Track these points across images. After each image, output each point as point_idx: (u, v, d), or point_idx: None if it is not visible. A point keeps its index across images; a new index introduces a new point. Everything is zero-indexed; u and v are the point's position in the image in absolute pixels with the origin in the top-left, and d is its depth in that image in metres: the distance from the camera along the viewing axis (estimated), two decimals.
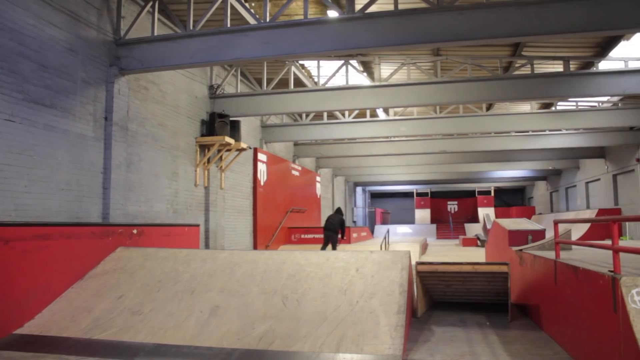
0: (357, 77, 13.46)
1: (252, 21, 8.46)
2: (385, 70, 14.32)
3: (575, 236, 12.93)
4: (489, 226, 18.88)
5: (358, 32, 7.48)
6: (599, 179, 22.09)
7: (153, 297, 5.28)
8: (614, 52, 11.90)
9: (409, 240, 21.68)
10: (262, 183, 15.29)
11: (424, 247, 20.08)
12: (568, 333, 4.52)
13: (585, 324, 4.04)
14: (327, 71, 14.06)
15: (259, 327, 4.55)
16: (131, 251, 6.43)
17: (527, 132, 17.78)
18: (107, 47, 8.40)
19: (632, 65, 10.64)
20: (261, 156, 15.41)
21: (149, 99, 9.63)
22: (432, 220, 37.84)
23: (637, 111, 14.44)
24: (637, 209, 17.95)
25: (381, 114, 17.09)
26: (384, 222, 37.88)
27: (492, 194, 37.60)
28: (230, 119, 11.87)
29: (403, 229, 34.01)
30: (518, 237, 7.97)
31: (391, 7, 7.74)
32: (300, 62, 13.86)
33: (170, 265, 5.97)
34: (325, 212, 24.18)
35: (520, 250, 6.99)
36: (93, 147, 7.98)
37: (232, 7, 8.63)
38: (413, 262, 5.90)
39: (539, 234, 7.98)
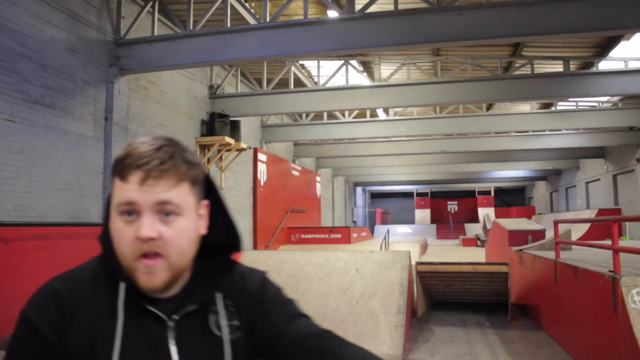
0: (357, 77, 13.45)
1: (252, 21, 8.45)
2: (385, 70, 14.31)
3: (575, 236, 12.91)
4: (489, 226, 18.87)
5: (358, 32, 7.48)
6: (599, 179, 22.08)
7: None
8: (614, 52, 11.89)
9: (409, 240, 21.66)
10: (262, 183, 15.29)
11: (424, 247, 20.07)
12: (568, 333, 4.52)
13: (585, 324, 4.04)
14: (327, 71, 14.05)
15: None
16: None
17: (527, 132, 17.76)
18: (107, 47, 8.40)
19: (632, 65, 10.63)
20: (261, 156, 15.41)
21: (149, 99, 9.63)
22: (432, 221, 37.83)
23: (637, 111, 14.43)
24: (637, 209, 17.94)
25: (381, 114, 17.08)
26: (384, 222, 37.84)
27: (492, 194, 37.59)
28: (230, 119, 11.87)
29: (403, 229, 33.98)
30: (518, 237, 7.97)
31: (391, 7, 7.73)
32: (300, 62, 13.85)
33: None
34: (326, 212, 24.16)
35: (520, 250, 6.99)
36: (93, 147, 7.98)
37: (232, 7, 8.63)
38: (413, 262, 5.89)
39: (539, 234, 7.97)
